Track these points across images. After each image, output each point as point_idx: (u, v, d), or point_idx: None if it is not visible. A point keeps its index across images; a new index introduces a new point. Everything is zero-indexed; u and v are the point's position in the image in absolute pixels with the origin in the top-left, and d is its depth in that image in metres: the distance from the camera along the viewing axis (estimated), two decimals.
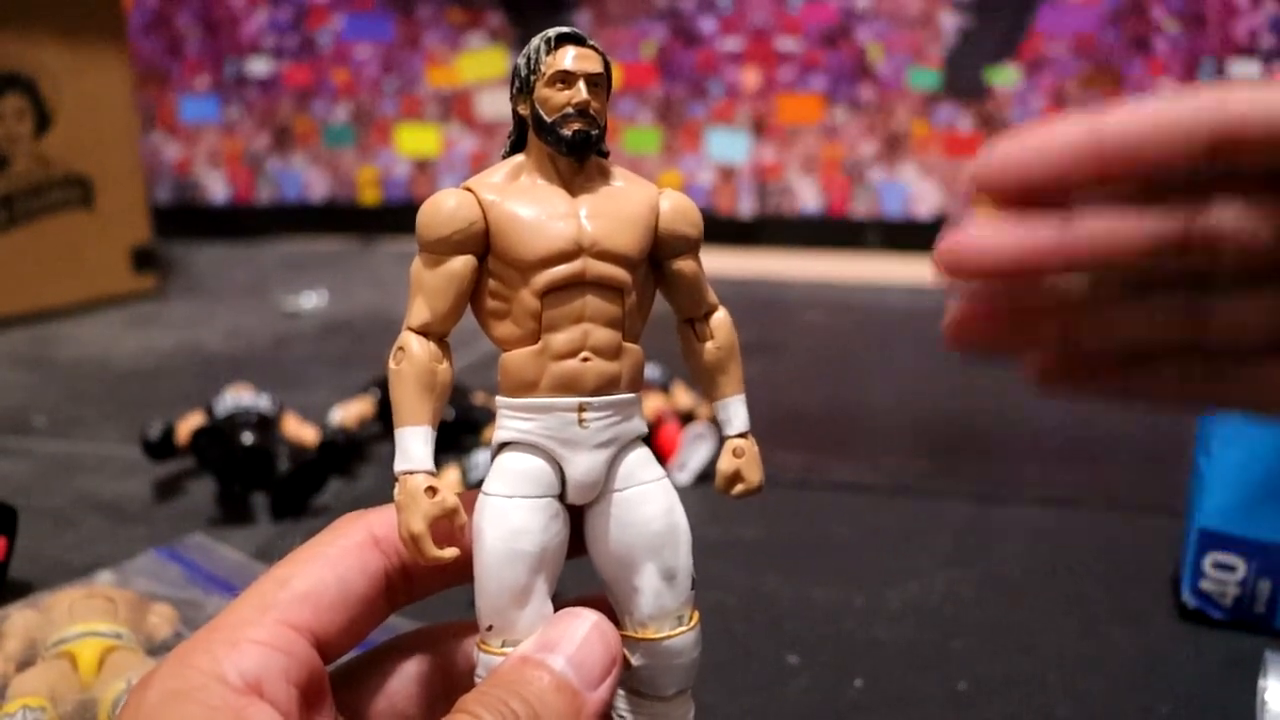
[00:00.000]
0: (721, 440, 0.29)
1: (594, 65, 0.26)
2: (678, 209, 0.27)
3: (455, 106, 1.51)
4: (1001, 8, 1.34)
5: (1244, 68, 1.28)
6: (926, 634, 0.49)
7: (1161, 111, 0.23)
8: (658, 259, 0.27)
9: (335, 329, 1.05)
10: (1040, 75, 1.35)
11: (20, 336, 1.02)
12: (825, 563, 0.56)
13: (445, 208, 0.25)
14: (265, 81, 1.55)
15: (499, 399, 0.26)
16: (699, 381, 0.29)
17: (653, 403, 0.68)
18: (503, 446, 0.26)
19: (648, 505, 0.27)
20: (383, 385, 0.73)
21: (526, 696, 0.23)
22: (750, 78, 1.44)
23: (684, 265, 0.28)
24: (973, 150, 1.39)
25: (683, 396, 0.71)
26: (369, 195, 1.54)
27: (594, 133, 0.26)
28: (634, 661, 0.27)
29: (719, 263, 1.38)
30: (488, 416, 0.68)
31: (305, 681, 0.24)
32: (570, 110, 0.25)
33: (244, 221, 1.57)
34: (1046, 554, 0.57)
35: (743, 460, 0.28)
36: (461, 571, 0.26)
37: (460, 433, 0.68)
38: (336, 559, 0.26)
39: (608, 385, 0.26)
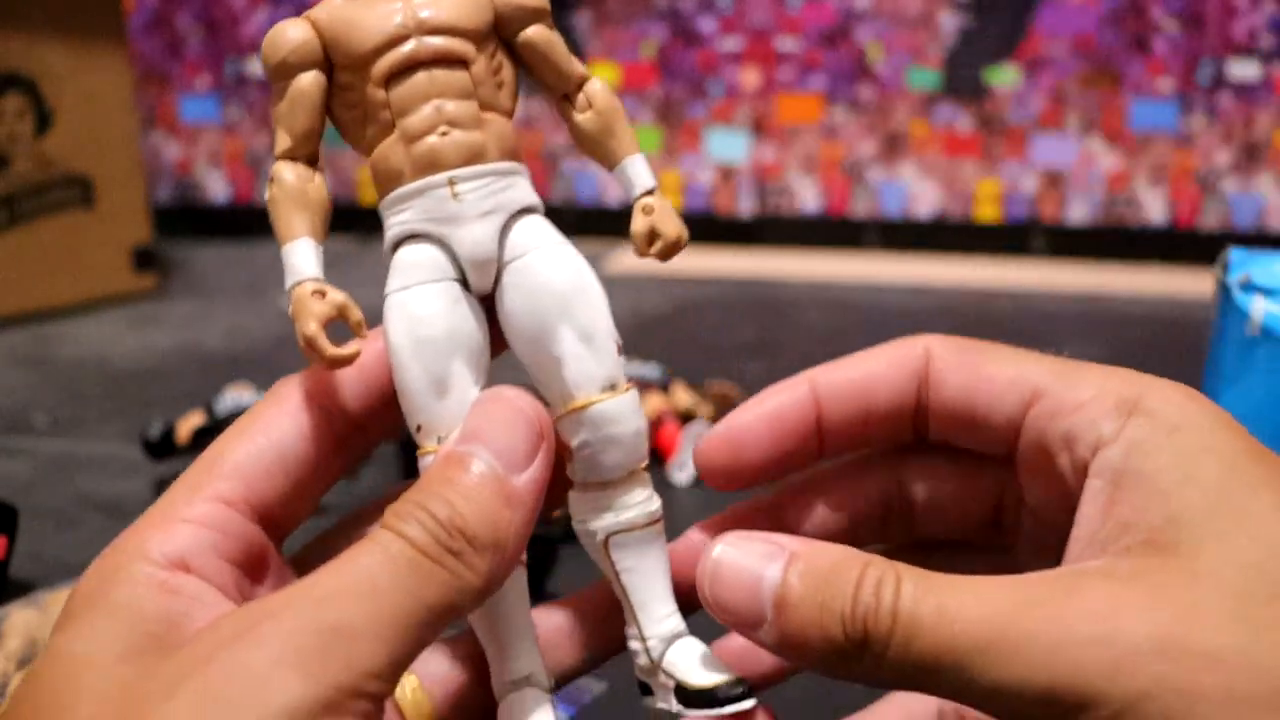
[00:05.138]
0: (633, 203, 0.27)
1: None
2: None
3: None
4: (1001, 8, 1.35)
5: (1243, 67, 1.29)
6: None
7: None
8: (507, 37, 0.27)
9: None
10: (1040, 75, 1.35)
11: (20, 336, 1.02)
12: None
13: (281, 33, 0.26)
14: (265, 82, 1.55)
15: (379, 207, 0.26)
16: (592, 155, 0.28)
17: (653, 403, 0.68)
18: (393, 251, 0.26)
19: (548, 265, 0.26)
20: None
21: (448, 496, 0.23)
22: (750, 78, 1.44)
23: (533, 34, 0.27)
24: (973, 150, 1.40)
25: (682, 396, 0.71)
26: (369, 195, 1.54)
27: None
28: (572, 442, 0.26)
29: (719, 263, 1.39)
30: None
31: (242, 555, 0.24)
32: None
33: (244, 221, 1.57)
34: None
35: (654, 215, 0.27)
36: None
37: None
38: (269, 425, 0.25)
39: (474, 155, 0.25)
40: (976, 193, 1.41)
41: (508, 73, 0.27)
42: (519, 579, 0.26)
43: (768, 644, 0.24)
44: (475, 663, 0.27)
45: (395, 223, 0.26)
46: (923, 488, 0.29)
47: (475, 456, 0.23)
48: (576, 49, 1.62)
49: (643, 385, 0.70)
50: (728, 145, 1.46)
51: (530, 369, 0.26)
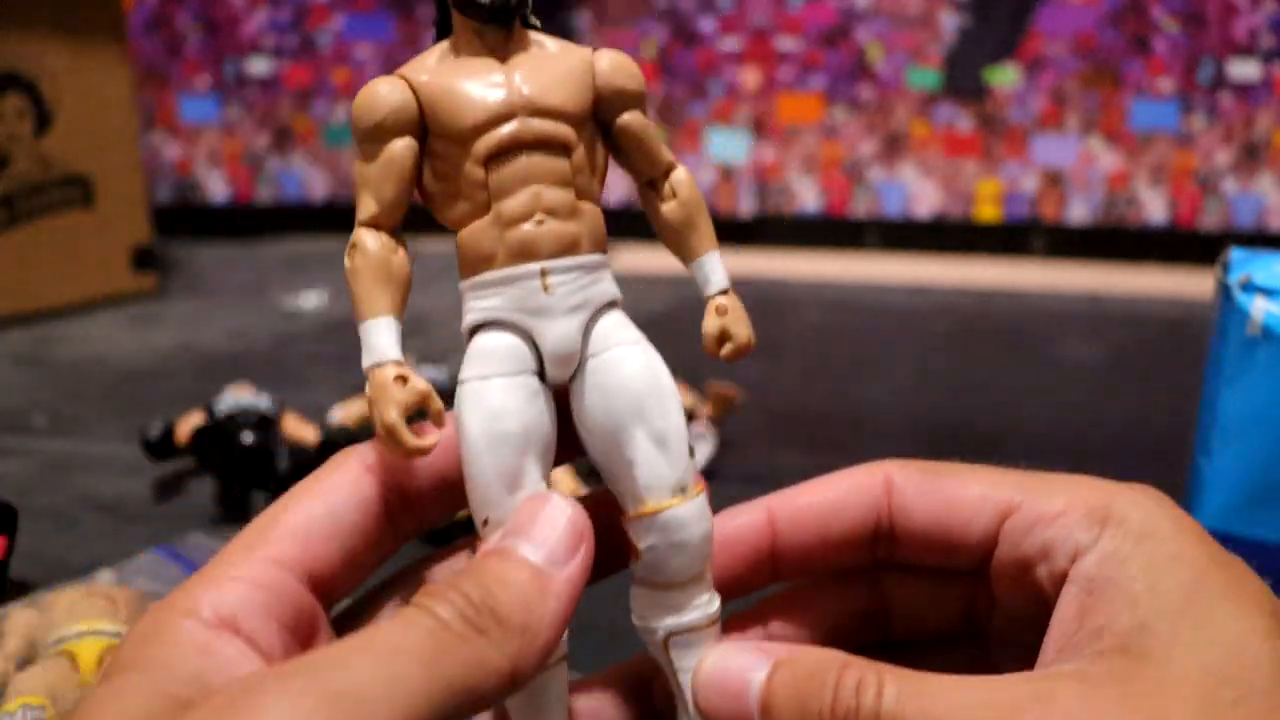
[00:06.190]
0: (706, 301, 0.28)
1: None
2: (615, 64, 0.26)
3: None
4: (1001, 8, 1.34)
5: (1243, 67, 1.28)
6: None
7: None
8: (603, 120, 0.26)
9: (335, 329, 1.05)
10: (1040, 75, 1.35)
11: (20, 336, 1.02)
12: None
13: (377, 94, 0.25)
14: (265, 81, 1.55)
15: (462, 285, 0.26)
16: (670, 245, 0.28)
17: None
18: (472, 333, 0.25)
19: (626, 365, 0.26)
20: None
21: (483, 578, 0.23)
22: (750, 77, 1.44)
23: (630, 120, 0.27)
24: (973, 150, 1.39)
25: (683, 397, 0.71)
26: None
27: None
28: (640, 544, 0.26)
29: None
30: None
31: (292, 618, 0.24)
32: None
33: (244, 221, 1.57)
34: None
35: (727, 317, 0.27)
36: (465, 494, 0.25)
37: None
38: (327, 492, 0.25)
39: (568, 247, 0.25)
40: (976, 193, 1.41)
41: (600, 158, 0.27)
42: (558, 678, 0.26)
43: None
44: None
45: (479, 307, 0.25)
46: (898, 596, 0.30)
47: (516, 548, 0.23)
48: None
49: None
50: (728, 145, 1.46)
51: (601, 465, 0.26)
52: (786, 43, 1.42)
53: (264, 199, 1.58)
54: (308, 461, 0.61)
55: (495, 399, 0.25)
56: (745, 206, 1.47)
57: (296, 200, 1.57)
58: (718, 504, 0.28)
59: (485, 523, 0.25)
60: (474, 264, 0.25)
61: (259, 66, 1.55)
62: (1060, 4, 1.32)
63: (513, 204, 0.25)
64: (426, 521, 0.27)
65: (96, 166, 1.13)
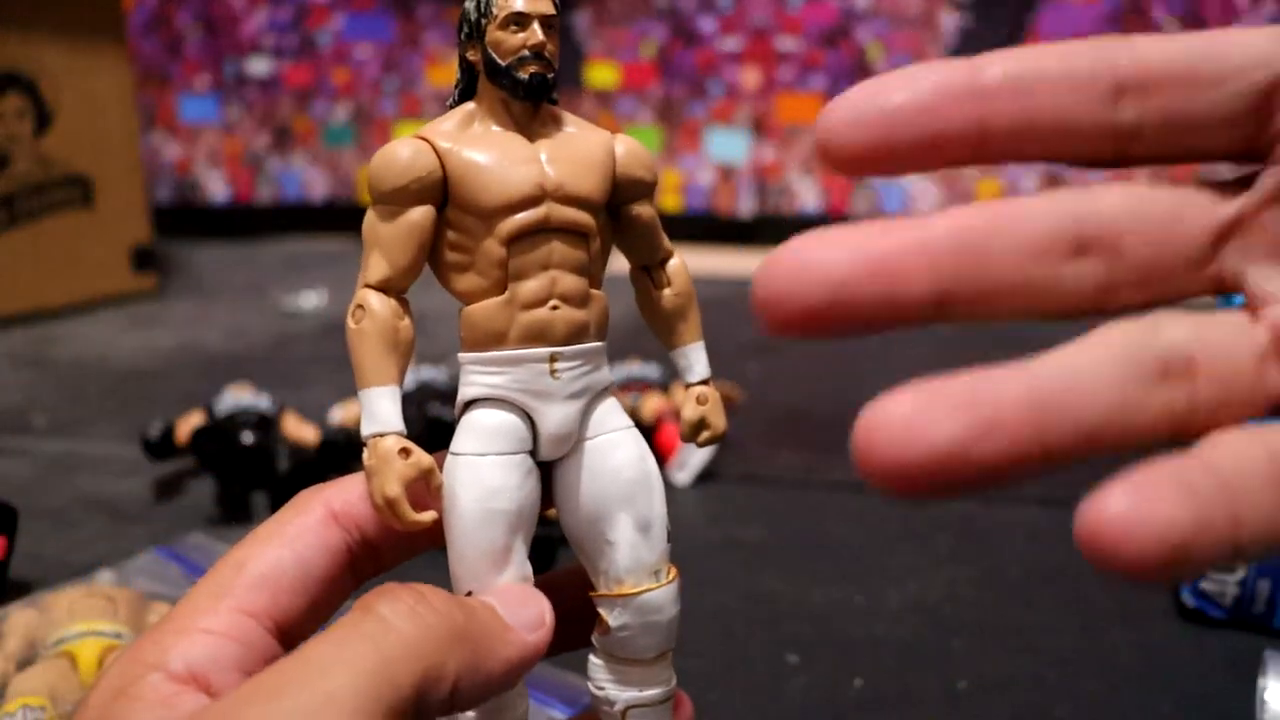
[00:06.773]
0: (685, 388, 0.28)
1: (546, 7, 0.25)
2: (632, 153, 0.27)
3: None
4: (1001, 8, 1.35)
5: None
6: (926, 634, 0.49)
7: (1059, 52, 0.20)
8: (615, 204, 0.27)
9: (335, 329, 1.05)
10: None
11: (20, 336, 1.02)
12: (825, 563, 0.56)
13: (401, 157, 0.25)
14: (265, 81, 1.55)
15: (463, 355, 0.25)
16: (657, 330, 0.28)
17: (653, 403, 0.68)
18: (470, 404, 0.25)
19: (619, 452, 0.26)
20: None
21: (453, 595, 0.23)
22: (750, 77, 1.44)
23: (641, 210, 0.27)
24: None
25: (679, 396, 0.71)
26: (369, 195, 1.55)
27: (550, 75, 0.25)
28: (612, 622, 0.26)
29: (719, 262, 1.38)
30: None
31: (261, 670, 0.23)
32: (526, 53, 0.25)
33: (244, 221, 1.57)
34: (1046, 554, 0.57)
35: (707, 407, 0.28)
36: (430, 539, 0.25)
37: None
38: (294, 538, 0.25)
39: (577, 334, 0.25)
40: (976, 192, 1.41)
41: (608, 242, 0.27)
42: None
43: None
44: None
45: (482, 383, 0.25)
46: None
47: (487, 600, 0.24)
48: (576, 49, 1.60)
49: (643, 385, 0.70)
50: (728, 145, 1.46)
51: (579, 541, 0.26)
52: (786, 43, 1.42)
53: (264, 199, 1.58)
54: (308, 461, 0.61)
55: (494, 477, 0.25)
56: (745, 206, 1.47)
57: (296, 200, 1.57)
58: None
59: (468, 594, 0.25)
60: (483, 340, 0.25)
61: (259, 66, 1.55)
62: (1060, 4, 1.32)
63: (530, 286, 0.25)
64: (382, 568, 0.27)
65: (96, 166, 1.13)
